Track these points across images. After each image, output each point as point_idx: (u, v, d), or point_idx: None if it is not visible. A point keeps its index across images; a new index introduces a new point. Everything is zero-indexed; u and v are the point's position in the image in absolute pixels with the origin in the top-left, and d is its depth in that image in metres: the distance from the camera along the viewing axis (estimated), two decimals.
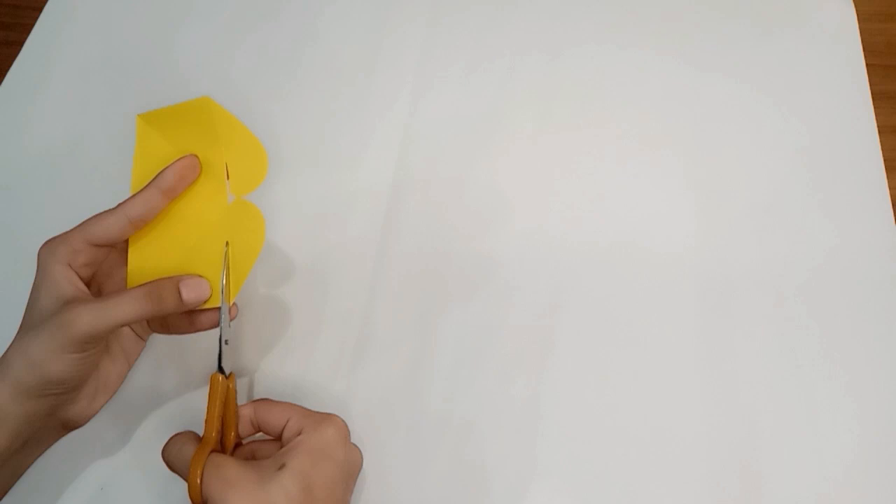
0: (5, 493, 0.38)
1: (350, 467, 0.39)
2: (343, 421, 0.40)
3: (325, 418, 0.39)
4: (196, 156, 0.41)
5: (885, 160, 0.54)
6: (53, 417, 0.38)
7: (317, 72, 0.58)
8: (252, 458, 0.40)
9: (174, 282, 0.38)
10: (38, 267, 0.38)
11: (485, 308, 0.48)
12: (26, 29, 0.60)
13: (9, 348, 0.37)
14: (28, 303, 0.38)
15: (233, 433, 0.40)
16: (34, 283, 0.38)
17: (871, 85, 0.57)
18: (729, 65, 0.58)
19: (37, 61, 0.59)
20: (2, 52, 0.59)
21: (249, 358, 0.47)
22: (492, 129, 0.56)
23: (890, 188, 0.53)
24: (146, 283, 0.37)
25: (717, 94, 0.57)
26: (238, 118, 0.41)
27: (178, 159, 0.40)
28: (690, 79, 0.58)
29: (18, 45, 0.59)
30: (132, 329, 0.43)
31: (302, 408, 0.40)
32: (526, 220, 0.52)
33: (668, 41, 0.60)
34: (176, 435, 0.38)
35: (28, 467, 0.39)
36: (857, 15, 0.61)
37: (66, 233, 0.38)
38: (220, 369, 0.40)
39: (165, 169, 0.40)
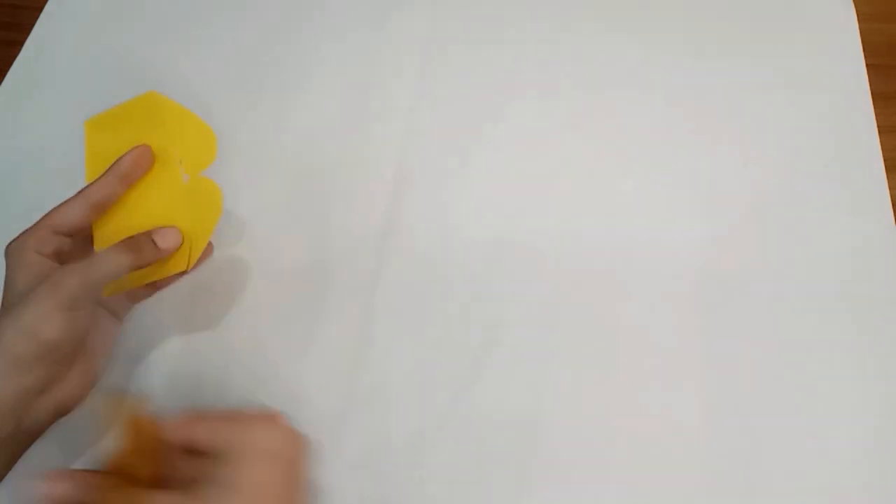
0: None
1: (286, 456, 0.37)
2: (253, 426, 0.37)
3: (247, 422, 0.37)
4: (148, 145, 0.42)
5: (885, 160, 0.54)
6: (46, 397, 0.38)
7: (317, 71, 0.58)
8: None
9: (148, 234, 0.40)
10: (7, 261, 0.39)
11: (485, 308, 0.48)
12: (26, 29, 0.60)
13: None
14: (3, 292, 0.39)
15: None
16: (6, 277, 0.39)
17: (871, 85, 0.57)
18: (729, 65, 0.58)
19: (37, 61, 0.59)
20: (2, 52, 0.59)
21: (249, 359, 0.47)
22: (492, 128, 0.56)
23: (890, 188, 0.53)
24: (123, 239, 0.39)
25: (716, 94, 0.57)
26: (187, 107, 0.44)
27: (133, 148, 0.41)
28: (690, 78, 0.58)
29: (18, 45, 0.59)
30: (108, 309, 0.43)
31: (221, 418, 0.38)
32: (526, 220, 0.52)
33: (668, 41, 0.60)
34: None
35: (18, 458, 0.38)
36: (857, 15, 0.61)
37: (31, 226, 0.40)
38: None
39: (121, 157, 0.41)
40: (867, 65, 0.58)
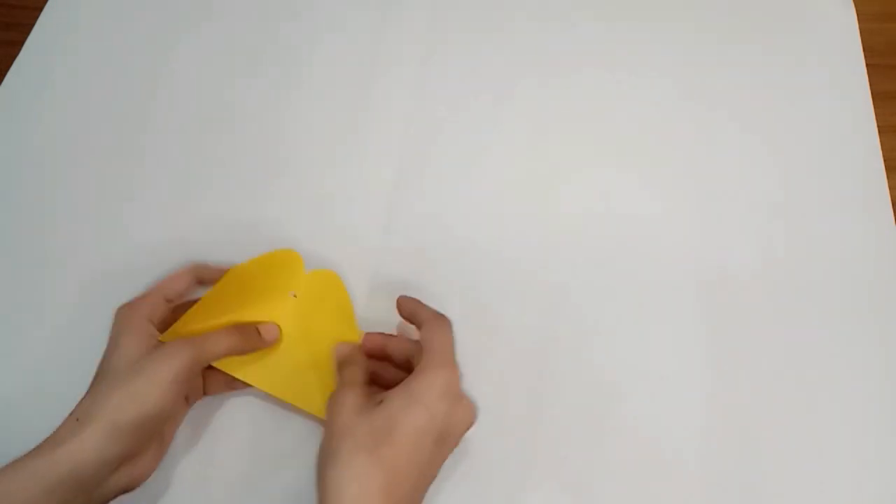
0: None
1: (447, 421, 0.37)
2: (456, 372, 0.39)
3: (439, 365, 0.38)
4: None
5: (885, 160, 0.54)
6: (120, 472, 0.37)
7: (318, 71, 0.58)
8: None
9: (253, 326, 0.42)
10: (116, 324, 0.40)
11: (485, 307, 0.48)
12: (26, 29, 0.60)
13: (94, 393, 0.37)
14: (106, 354, 0.39)
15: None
16: (112, 338, 0.39)
17: (871, 85, 0.57)
18: (729, 65, 0.58)
19: (37, 61, 0.59)
20: (2, 52, 0.59)
21: None
22: (493, 130, 0.56)
23: (890, 188, 0.53)
24: (231, 326, 0.41)
25: (716, 94, 0.57)
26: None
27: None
28: (690, 78, 0.58)
29: (18, 45, 0.59)
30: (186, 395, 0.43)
31: (432, 346, 0.40)
32: (527, 221, 0.52)
33: (667, 41, 0.60)
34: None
35: None
36: (857, 15, 0.61)
37: (145, 293, 0.42)
38: None
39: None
40: (867, 65, 0.58)
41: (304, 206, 0.52)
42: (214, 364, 0.41)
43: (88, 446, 0.35)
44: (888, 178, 0.53)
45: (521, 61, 0.59)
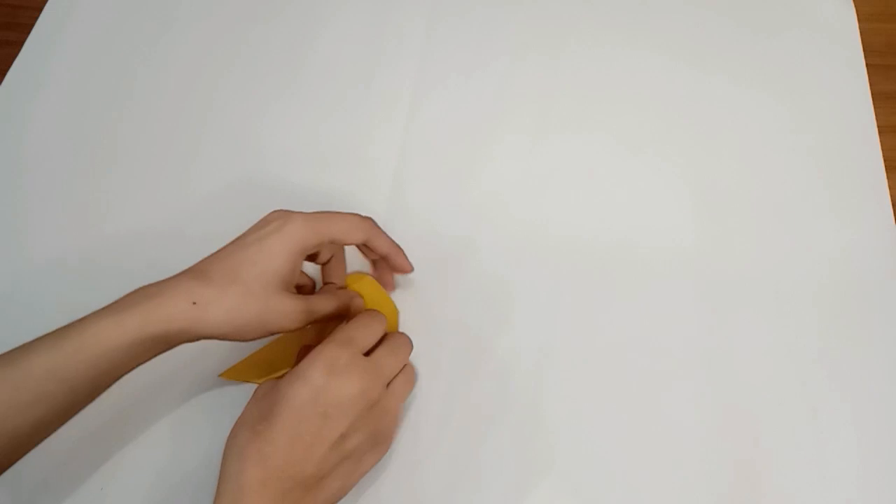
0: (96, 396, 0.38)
1: (329, 393, 0.36)
2: (342, 349, 0.38)
3: (327, 342, 0.38)
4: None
5: (885, 160, 0.54)
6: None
7: (317, 71, 0.58)
8: None
9: (352, 295, 0.45)
10: (285, 232, 0.40)
11: (484, 307, 0.48)
12: (26, 29, 0.60)
13: (219, 291, 0.38)
14: (253, 249, 0.39)
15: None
16: (270, 242, 0.39)
17: (871, 85, 0.57)
18: (729, 65, 0.58)
19: (37, 61, 0.59)
20: (2, 52, 0.59)
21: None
22: (492, 128, 0.56)
23: (890, 188, 0.53)
24: (334, 292, 0.44)
25: (717, 94, 0.57)
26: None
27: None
28: (690, 79, 0.58)
29: (18, 45, 0.59)
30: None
31: (349, 325, 0.40)
32: (526, 221, 0.52)
33: (668, 41, 0.60)
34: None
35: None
36: (857, 15, 0.61)
37: (321, 219, 0.41)
38: None
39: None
40: (867, 65, 0.58)
41: (303, 207, 0.52)
42: (223, 375, 0.42)
43: (197, 333, 0.37)
44: (888, 178, 0.53)
45: (521, 61, 0.59)
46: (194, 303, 0.37)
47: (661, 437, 0.44)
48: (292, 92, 0.57)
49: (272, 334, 0.40)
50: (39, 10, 0.61)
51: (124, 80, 0.58)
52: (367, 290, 0.46)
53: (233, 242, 0.40)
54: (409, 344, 0.42)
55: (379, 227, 0.44)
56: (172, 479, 0.43)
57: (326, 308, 0.42)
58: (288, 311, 0.39)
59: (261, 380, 0.43)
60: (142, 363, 0.38)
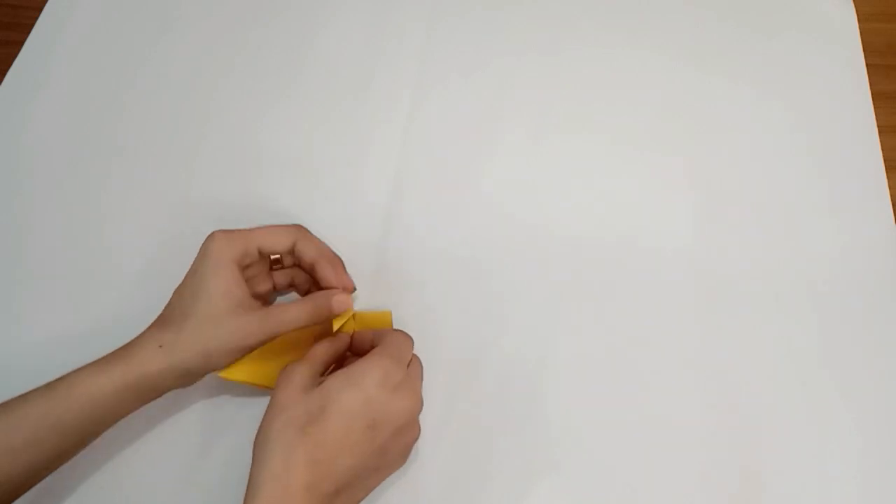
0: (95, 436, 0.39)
1: (381, 408, 0.37)
2: (398, 366, 0.39)
3: (382, 355, 0.39)
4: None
5: (885, 160, 0.54)
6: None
7: (317, 72, 0.58)
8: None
9: (328, 295, 0.43)
10: (208, 257, 0.41)
11: (485, 307, 0.48)
12: (26, 29, 0.60)
13: (180, 328, 0.39)
14: (190, 287, 0.41)
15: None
16: (199, 272, 0.41)
17: (871, 85, 0.57)
18: (729, 65, 0.58)
19: (37, 61, 0.59)
20: (2, 52, 0.59)
21: None
22: (492, 129, 0.56)
23: (890, 188, 0.53)
24: (307, 296, 0.43)
25: (717, 94, 0.57)
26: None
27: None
28: (690, 79, 0.58)
29: (18, 45, 0.59)
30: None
31: (384, 340, 0.41)
32: (527, 221, 0.52)
33: (668, 41, 0.60)
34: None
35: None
36: (857, 15, 0.61)
37: (242, 231, 0.42)
38: None
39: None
40: (867, 65, 0.58)
41: (302, 205, 0.52)
42: (222, 375, 0.42)
43: (174, 372, 0.39)
44: (888, 178, 0.53)
45: (521, 61, 0.59)
46: (161, 346, 0.39)
47: (662, 437, 0.44)
48: (292, 92, 0.57)
49: (246, 352, 0.41)
50: (39, 10, 0.61)
51: (124, 81, 0.58)
52: (354, 320, 0.45)
53: (182, 280, 0.42)
54: (421, 364, 0.43)
55: (311, 235, 0.45)
56: (173, 478, 0.43)
57: (297, 315, 0.41)
58: (246, 328, 0.40)
59: (261, 380, 0.43)
60: (133, 410, 0.40)
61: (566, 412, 0.45)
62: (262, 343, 0.41)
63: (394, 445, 0.38)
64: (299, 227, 0.44)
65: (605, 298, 0.49)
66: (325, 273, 0.44)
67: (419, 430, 0.41)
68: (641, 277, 0.50)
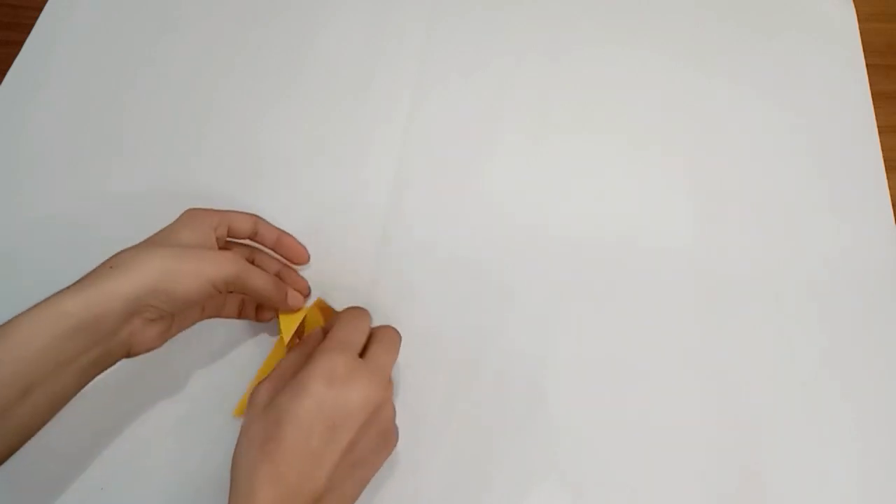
0: (50, 415, 0.37)
1: (336, 405, 0.36)
2: (341, 356, 0.37)
3: (322, 350, 0.37)
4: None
5: (885, 160, 0.54)
6: (129, 331, 0.38)
7: (317, 71, 0.58)
8: None
9: (285, 288, 0.44)
10: (183, 217, 0.41)
11: (485, 308, 0.48)
12: (26, 29, 0.60)
13: (136, 251, 0.38)
14: (160, 233, 0.41)
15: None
16: (171, 226, 0.41)
17: (871, 85, 0.57)
18: (729, 65, 0.58)
19: (37, 61, 0.59)
20: (2, 52, 0.59)
21: (250, 363, 0.47)
22: (492, 129, 0.56)
23: (890, 188, 0.53)
24: (274, 276, 0.44)
25: (717, 94, 0.57)
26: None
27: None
28: (691, 79, 0.58)
29: (18, 45, 0.59)
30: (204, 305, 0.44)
31: (331, 331, 0.40)
32: (527, 221, 0.52)
33: (668, 42, 0.60)
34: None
35: (71, 396, 0.37)
36: (857, 15, 0.61)
37: (218, 210, 0.43)
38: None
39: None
40: (867, 65, 0.58)
41: (302, 205, 0.52)
42: (235, 414, 0.42)
43: (119, 293, 0.36)
44: (888, 178, 0.53)
45: (521, 62, 0.59)
46: (111, 267, 0.37)
47: (662, 437, 0.44)
48: (292, 92, 0.57)
49: (208, 283, 0.39)
50: (39, 10, 0.61)
51: (124, 81, 0.58)
52: (314, 313, 0.46)
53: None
54: (398, 335, 0.41)
55: (266, 221, 0.46)
56: (173, 478, 0.43)
57: (263, 279, 0.42)
58: (216, 256, 0.39)
59: None
60: (80, 352, 0.36)
61: (566, 412, 0.45)
62: (226, 282, 0.39)
63: (366, 437, 0.37)
64: (257, 215, 0.46)
65: (606, 298, 0.49)
66: (289, 241, 0.47)
67: (393, 409, 0.39)
68: (641, 277, 0.50)
